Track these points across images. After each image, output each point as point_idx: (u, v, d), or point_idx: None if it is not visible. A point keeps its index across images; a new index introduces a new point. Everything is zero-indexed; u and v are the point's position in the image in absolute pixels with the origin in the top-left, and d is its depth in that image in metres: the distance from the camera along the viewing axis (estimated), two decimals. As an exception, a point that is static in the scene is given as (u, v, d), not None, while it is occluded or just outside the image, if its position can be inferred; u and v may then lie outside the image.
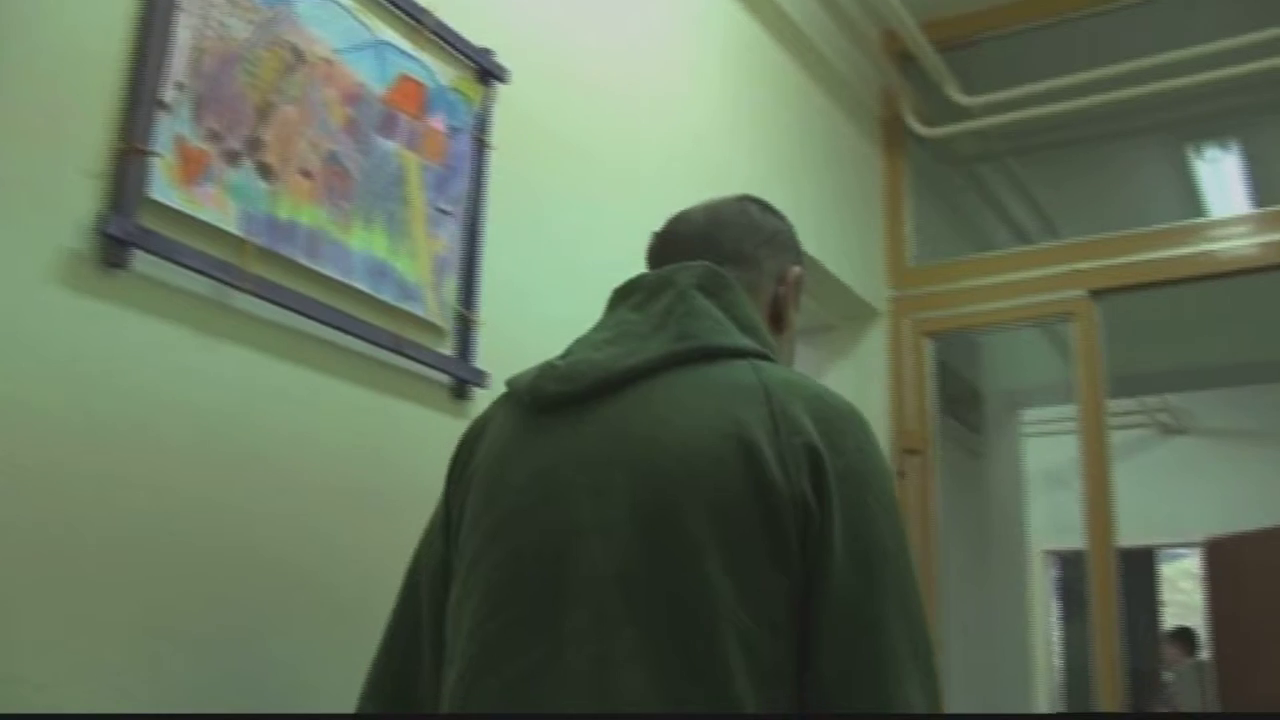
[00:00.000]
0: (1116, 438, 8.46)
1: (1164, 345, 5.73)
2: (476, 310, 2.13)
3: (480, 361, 2.12)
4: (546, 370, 1.40)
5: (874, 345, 4.01)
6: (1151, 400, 7.97)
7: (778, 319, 1.56)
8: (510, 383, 1.47)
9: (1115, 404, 7.68)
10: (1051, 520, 6.82)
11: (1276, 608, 6.99)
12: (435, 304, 2.03)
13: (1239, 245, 3.78)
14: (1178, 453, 8.45)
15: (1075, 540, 3.77)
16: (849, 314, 3.98)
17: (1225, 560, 7.58)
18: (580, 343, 1.45)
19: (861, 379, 3.95)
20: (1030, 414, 6.45)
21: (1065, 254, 3.97)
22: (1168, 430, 8.44)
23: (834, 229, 3.74)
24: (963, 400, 4.81)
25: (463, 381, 2.09)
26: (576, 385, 1.36)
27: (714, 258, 1.49)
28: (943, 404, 4.36)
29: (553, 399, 1.37)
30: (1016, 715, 2.62)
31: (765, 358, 1.39)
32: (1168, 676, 7.97)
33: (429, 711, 1.41)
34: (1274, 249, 3.72)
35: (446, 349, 2.07)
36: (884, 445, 3.82)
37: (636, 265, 2.57)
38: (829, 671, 1.22)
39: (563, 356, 1.43)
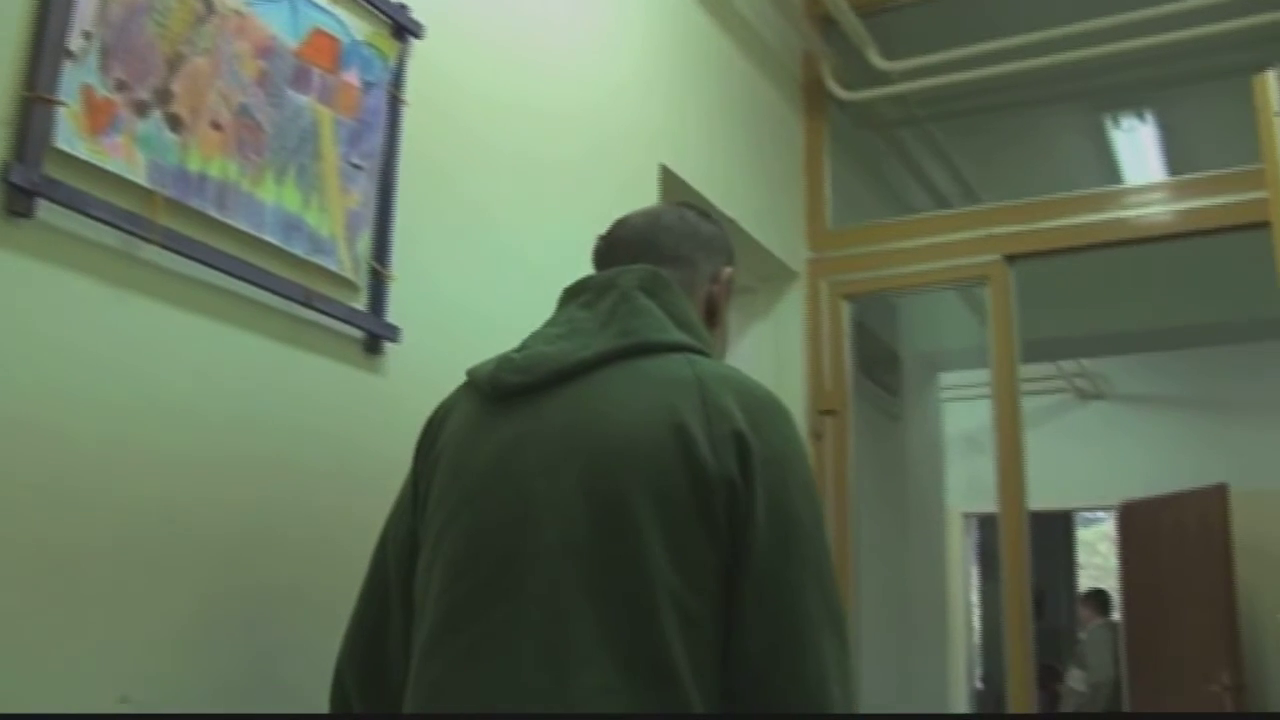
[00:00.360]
0: (1035, 402, 8.64)
1: (1082, 311, 5.84)
2: (389, 265, 2.15)
3: (393, 316, 2.15)
4: (504, 363, 1.57)
5: (791, 307, 4.07)
6: (1069, 366, 8.12)
7: (712, 314, 1.73)
8: (471, 373, 1.64)
9: (1034, 369, 7.87)
10: (971, 484, 6.95)
11: (1185, 570, 7.20)
12: (348, 258, 2.05)
13: (1153, 212, 3.88)
14: (1095, 418, 8.62)
15: (993, 504, 3.86)
16: (767, 276, 4.03)
17: (1137, 523, 7.79)
18: (534, 337, 1.62)
19: (779, 340, 4.02)
20: (950, 378, 6.55)
21: (981, 219, 4.05)
22: (1085, 395, 8.61)
23: (753, 191, 3.79)
24: (881, 363, 4.89)
25: (375, 336, 2.11)
26: (532, 376, 1.53)
27: (654, 259, 1.67)
28: (860, 366, 4.43)
29: (511, 389, 1.54)
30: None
31: (700, 351, 1.57)
32: (1081, 636, 8.17)
33: (398, 668, 1.58)
34: (1187, 216, 3.82)
35: (359, 303, 2.09)
36: (800, 406, 3.92)
37: (548, 221, 2.61)
38: (755, 647, 1.39)
39: (518, 350, 1.59)
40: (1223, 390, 7.92)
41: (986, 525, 9.06)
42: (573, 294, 1.66)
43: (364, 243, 2.10)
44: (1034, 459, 3.74)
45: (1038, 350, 6.14)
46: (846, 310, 4.10)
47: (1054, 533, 10.91)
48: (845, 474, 3.92)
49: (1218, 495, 7.02)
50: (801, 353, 4.03)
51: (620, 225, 1.77)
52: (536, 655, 1.38)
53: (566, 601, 1.39)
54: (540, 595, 1.40)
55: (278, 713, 1.82)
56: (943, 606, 6.33)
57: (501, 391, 1.54)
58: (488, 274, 2.45)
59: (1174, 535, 7.39)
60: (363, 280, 2.10)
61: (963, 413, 6.78)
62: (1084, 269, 5.33)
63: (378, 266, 2.13)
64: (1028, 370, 7.65)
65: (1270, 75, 2.98)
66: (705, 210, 1.81)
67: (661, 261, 1.67)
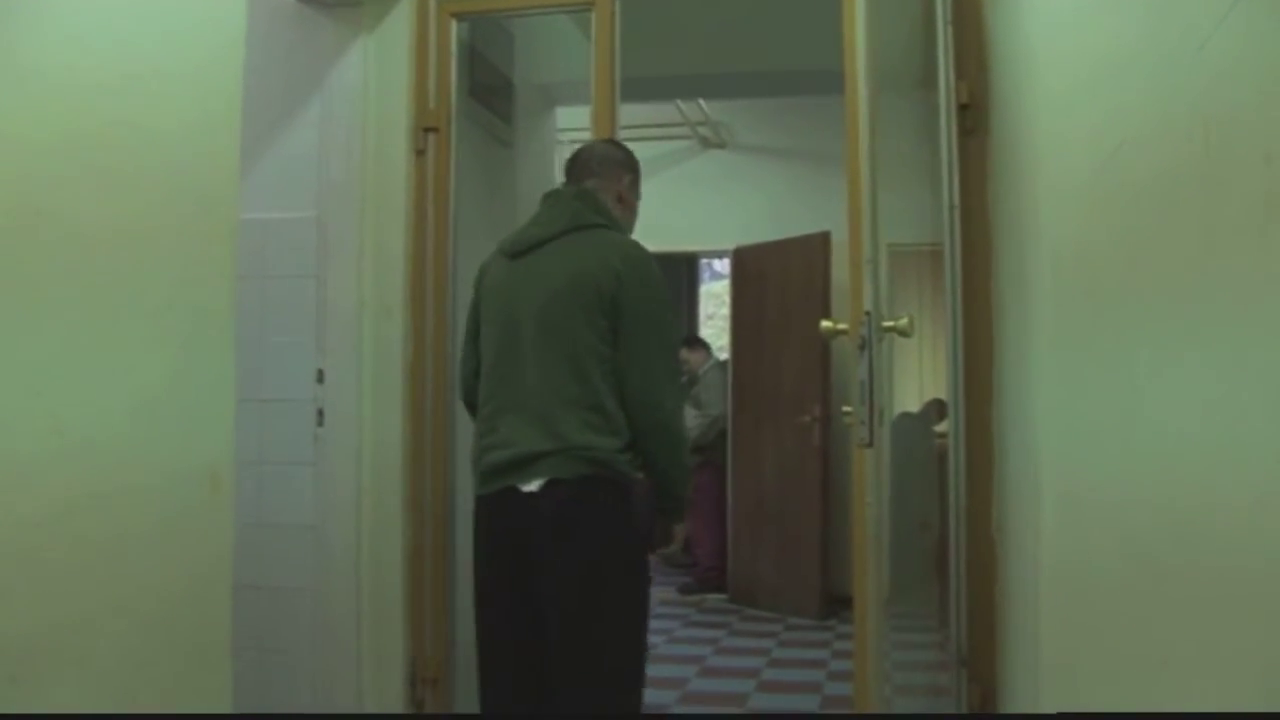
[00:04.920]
0: (660, 148, 9.07)
1: (698, 51, 6.11)
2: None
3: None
4: (517, 241, 3.18)
5: (399, 22, 4.19)
6: (693, 114, 8.50)
7: (621, 202, 3.29)
8: (501, 243, 3.24)
9: (658, 115, 8.26)
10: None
11: (788, 312, 7.90)
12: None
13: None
14: (717, 166, 9.07)
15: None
16: (374, -11, 4.14)
17: (748, 267, 8.42)
18: (530, 224, 3.20)
19: (384, 55, 4.17)
20: (579, 121, 6.74)
21: (592, -57, 4.23)
22: (709, 144, 9.05)
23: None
24: (495, 90, 5.09)
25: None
26: (528, 245, 3.14)
27: (587, 175, 3.25)
28: (472, 90, 4.64)
29: (519, 251, 3.15)
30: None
31: (608, 227, 3.16)
32: (700, 375, 8.75)
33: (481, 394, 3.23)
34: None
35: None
36: (403, 121, 4.13)
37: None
38: (624, 363, 2.99)
39: (523, 231, 3.19)
40: (834, 141, 8.45)
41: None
42: (545, 200, 3.25)
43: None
44: (658, 203, 4.03)
45: (652, 89, 6.42)
46: (455, 28, 4.26)
47: (677, 277, 11.59)
48: (447, 189, 4.18)
49: (820, 242, 7.61)
50: (406, 69, 4.20)
51: (577, 151, 3.32)
52: (535, 374, 3.00)
53: (546, 357, 3.00)
54: (534, 347, 3.02)
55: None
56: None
57: (514, 252, 3.15)
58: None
59: (780, 279, 8.02)
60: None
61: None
62: (702, 7, 5.63)
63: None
64: (652, 115, 8.09)
65: None
66: (620, 142, 3.45)
67: (590, 175, 3.24)
